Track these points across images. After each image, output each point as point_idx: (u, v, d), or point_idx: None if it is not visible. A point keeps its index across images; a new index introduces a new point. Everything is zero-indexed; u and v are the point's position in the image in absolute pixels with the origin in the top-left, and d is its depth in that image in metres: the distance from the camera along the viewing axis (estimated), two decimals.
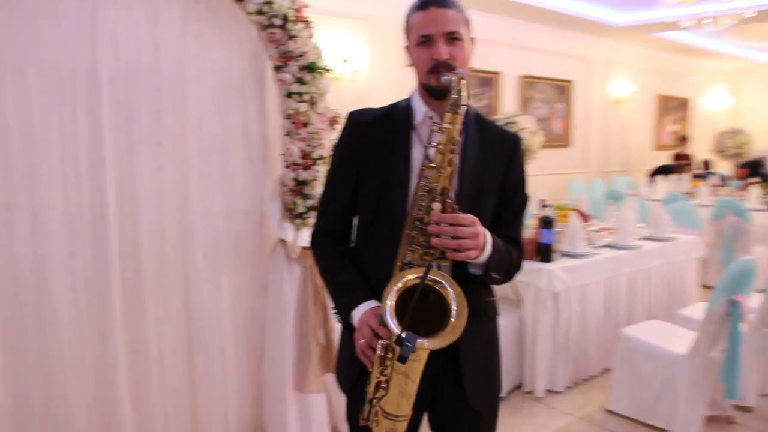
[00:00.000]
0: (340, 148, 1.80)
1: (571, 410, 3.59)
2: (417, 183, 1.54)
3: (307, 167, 2.90)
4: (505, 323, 3.77)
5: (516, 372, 3.84)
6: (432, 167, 1.49)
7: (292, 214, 2.94)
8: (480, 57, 6.53)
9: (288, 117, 2.90)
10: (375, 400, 1.51)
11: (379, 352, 1.47)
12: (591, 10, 7.52)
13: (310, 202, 2.91)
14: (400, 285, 1.46)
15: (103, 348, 2.69)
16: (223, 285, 2.98)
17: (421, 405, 1.64)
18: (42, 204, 2.52)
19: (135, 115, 2.71)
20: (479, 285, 1.68)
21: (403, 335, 1.38)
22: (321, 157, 2.92)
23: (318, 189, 2.90)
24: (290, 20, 2.79)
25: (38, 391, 2.57)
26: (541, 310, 3.68)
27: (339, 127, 3.09)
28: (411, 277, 1.47)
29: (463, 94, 1.47)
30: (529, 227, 4.11)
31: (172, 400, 2.90)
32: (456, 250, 1.48)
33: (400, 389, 1.47)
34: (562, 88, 8.17)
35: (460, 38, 1.60)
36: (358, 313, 1.61)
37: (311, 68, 2.88)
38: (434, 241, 1.47)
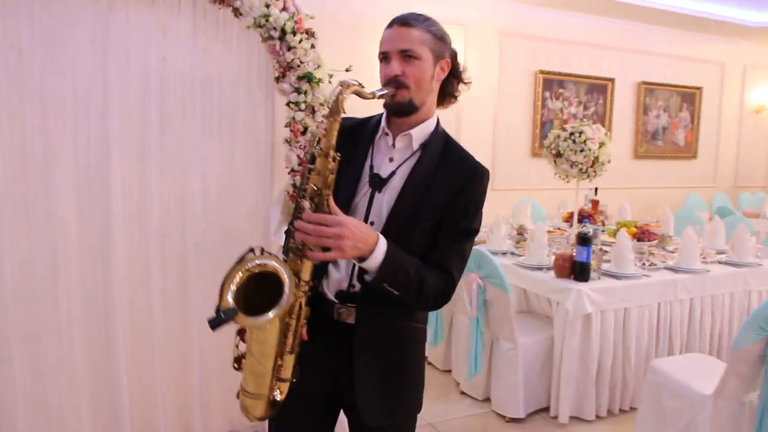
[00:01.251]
0: None
1: None
2: (300, 182, 1.60)
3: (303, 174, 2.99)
4: (532, 341, 3.62)
5: (543, 394, 3.66)
6: (310, 168, 1.54)
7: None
8: (591, 62, 6.27)
9: (287, 125, 3.01)
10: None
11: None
12: (725, 11, 6.85)
13: None
14: (248, 266, 1.52)
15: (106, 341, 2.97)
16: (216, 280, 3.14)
17: (323, 408, 1.80)
18: (55, 196, 2.82)
19: (142, 122, 2.94)
20: (398, 308, 1.69)
21: (225, 307, 1.46)
22: None
23: None
24: (288, 32, 2.89)
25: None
26: (569, 332, 3.47)
27: None
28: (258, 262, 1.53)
29: (336, 100, 1.54)
30: (570, 244, 3.91)
31: (169, 383, 3.11)
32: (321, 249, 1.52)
33: (251, 367, 1.59)
34: (689, 96, 7.49)
35: (416, 56, 1.62)
36: None
37: (309, 78, 2.96)
38: (297, 235, 1.51)
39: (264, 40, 2.94)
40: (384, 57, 1.65)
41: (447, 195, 1.68)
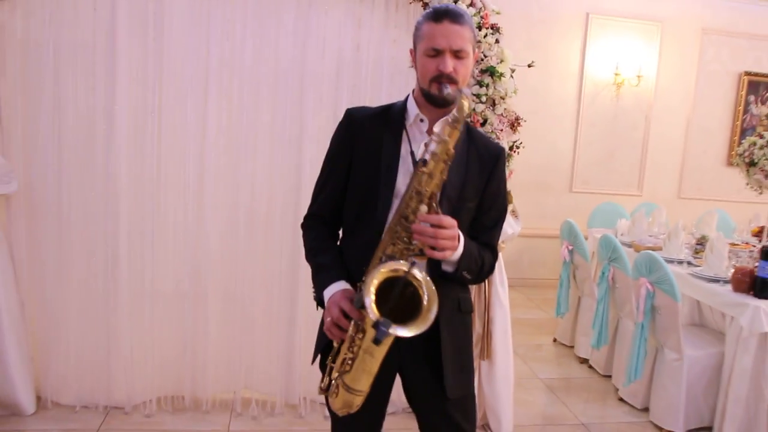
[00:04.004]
0: (335, 139, 1.90)
1: None
2: (409, 184, 1.62)
3: None
4: (700, 355, 3.46)
5: (706, 412, 3.47)
6: (424, 173, 1.58)
7: None
8: None
9: (468, 116, 3.13)
10: (339, 375, 1.66)
11: (350, 332, 1.61)
12: None
13: None
14: (381, 274, 1.56)
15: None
16: None
17: (388, 377, 1.83)
18: (253, 169, 3.21)
19: (334, 106, 3.21)
20: (453, 282, 1.77)
21: (380, 320, 1.50)
22: None
23: None
24: (474, 27, 3.00)
25: None
26: (742, 350, 3.28)
27: (520, 129, 3.28)
28: (391, 269, 1.57)
29: (465, 112, 1.56)
30: (753, 258, 3.67)
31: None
32: (433, 248, 1.59)
33: (363, 366, 1.62)
34: None
35: (465, 56, 1.69)
36: (329, 292, 1.72)
37: (491, 72, 3.06)
38: (416, 237, 1.59)
39: None
40: (435, 53, 1.68)
41: (482, 177, 1.80)
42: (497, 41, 3.08)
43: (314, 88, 3.18)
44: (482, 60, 3.05)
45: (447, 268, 1.72)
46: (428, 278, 1.59)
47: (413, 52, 1.79)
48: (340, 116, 3.16)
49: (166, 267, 3.19)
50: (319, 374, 3.26)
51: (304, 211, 3.13)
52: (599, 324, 3.93)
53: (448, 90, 1.64)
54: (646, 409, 3.68)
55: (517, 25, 5.46)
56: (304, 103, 3.18)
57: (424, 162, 1.61)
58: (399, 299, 1.57)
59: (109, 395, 3.22)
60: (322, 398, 3.34)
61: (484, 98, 3.07)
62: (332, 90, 3.21)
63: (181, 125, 3.13)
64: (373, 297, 1.53)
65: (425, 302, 1.56)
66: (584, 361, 4.44)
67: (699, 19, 6.00)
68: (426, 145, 1.60)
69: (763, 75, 6.12)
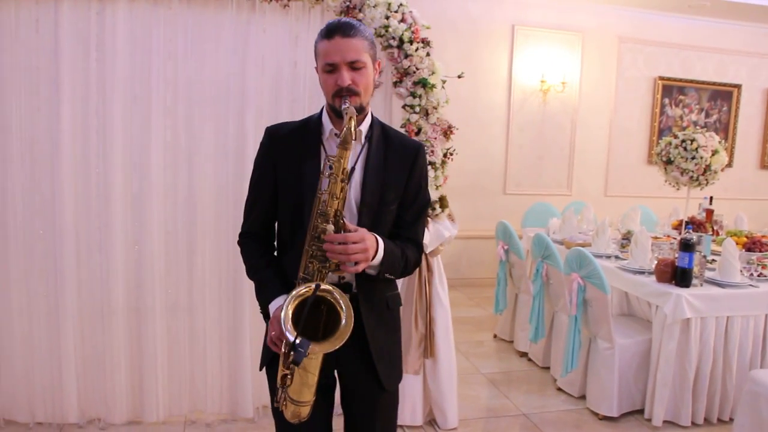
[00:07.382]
0: (259, 158, 1.93)
1: None
2: (313, 207, 1.71)
3: None
4: (630, 342, 3.70)
5: (638, 396, 3.72)
6: (324, 192, 1.69)
7: None
8: (715, 68, 6.18)
9: (403, 126, 3.28)
10: (282, 389, 1.73)
11: (283, 350, 1.65)
12: None
13: None
14: (295, 295, 1.66)
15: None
16: None
17: (329, 379, 1.91)
18: (197, 183, 3.28)
19: (274, 121, 3.29)
20: (380, 282, 1.88)
21: (297, 342, 1.57)
22: (431, 164, 3.25)
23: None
24: (406, 41, 3.16)
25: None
26: (667, 336, 3.53)
27: (453, 136, 3.42)
28: (304, 289, 1.67)
29: (352, 130, 1.65)
30: (674, 250, 3.94)
31: None
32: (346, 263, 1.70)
33: (301, 381, 1.70)
34: None
35: (362, 66, 1.75)
36: (273, 307, 1.81)
37: (423, 83, 3.22)
38: (329, 256, 1.68)
39: (384, 49, 3.22)
40: (331, 68, 1.74)
41: (402, 177, 1.88)
42: (428, 54, 3.24)
43: (255, 103, 3.27)
44: (415, 72, 3.21)
45: (370, 272, 1.81)
46: (338, 289, 1.69)
47: (317, 70, 1.84)
48: None
49: (115, 283, 3.22)
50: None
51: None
52: (536, 319, 4.14)
53: (347, 105, 1.71)
54: (583, 397, 3.89)
55: (447, 38, 5.69)
56: (246, 118, 3.27)
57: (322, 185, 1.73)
58: (319, 315, 1.68)
59: (63, 411, 3.23)
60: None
61: (417, 108, 3.23)
62: (272, 105, 3.32)
63: (126, 143, 3.18)
64: (287, 319, 1.61)
65: (343, 315, 1.66)
66: (523, 354, 4.66)
67: (616, 29, 6.37)
68: (329, 160, 1.70)
69: (675, 79, 6.53)
